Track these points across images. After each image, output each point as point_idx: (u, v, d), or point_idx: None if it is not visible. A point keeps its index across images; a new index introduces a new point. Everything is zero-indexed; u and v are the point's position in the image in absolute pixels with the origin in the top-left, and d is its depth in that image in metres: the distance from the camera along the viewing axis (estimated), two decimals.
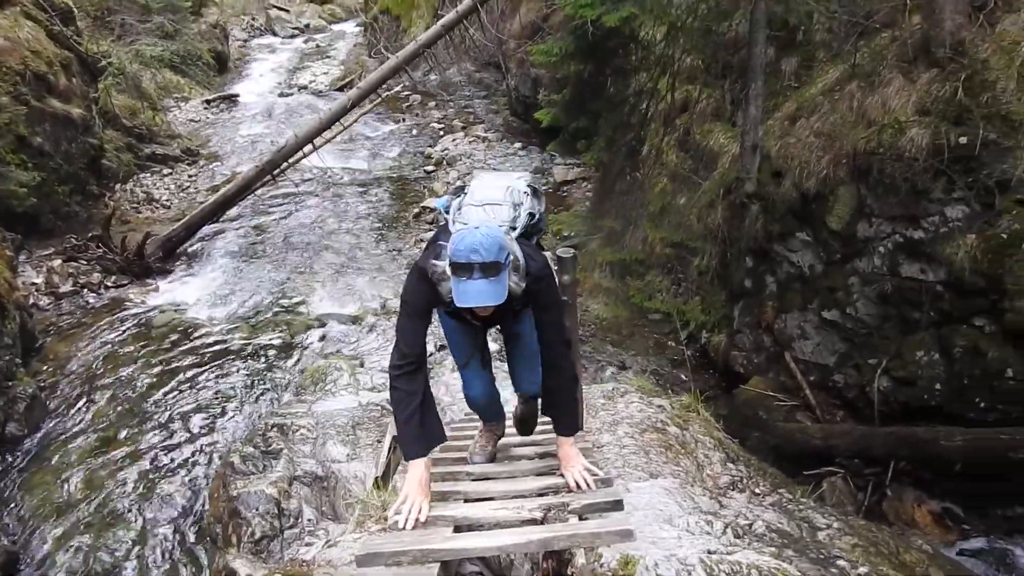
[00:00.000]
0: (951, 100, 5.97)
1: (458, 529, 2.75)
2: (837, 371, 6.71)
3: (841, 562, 2.80)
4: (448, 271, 2.71)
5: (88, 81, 12.68)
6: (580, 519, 2.77)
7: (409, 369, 2.97)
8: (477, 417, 3.90)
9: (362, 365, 8.09)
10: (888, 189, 6.26)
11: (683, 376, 7.61)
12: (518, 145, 13.35)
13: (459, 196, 3.28)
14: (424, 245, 3.20)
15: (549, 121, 8.43)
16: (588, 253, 9.02)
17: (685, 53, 7.75)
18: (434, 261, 2.88)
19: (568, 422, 3.20)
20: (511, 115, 14.22)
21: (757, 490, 4.33)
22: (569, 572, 2.42)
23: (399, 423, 3.01)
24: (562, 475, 3.07)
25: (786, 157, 7.02)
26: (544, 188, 11.76)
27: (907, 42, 6.45)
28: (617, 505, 2.83)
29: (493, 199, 3.17)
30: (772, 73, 7.95)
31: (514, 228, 3.09)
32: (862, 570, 2.72)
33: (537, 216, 3.28)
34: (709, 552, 2.50)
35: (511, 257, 2.77)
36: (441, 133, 15.43)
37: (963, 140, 5.85)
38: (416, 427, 2.96)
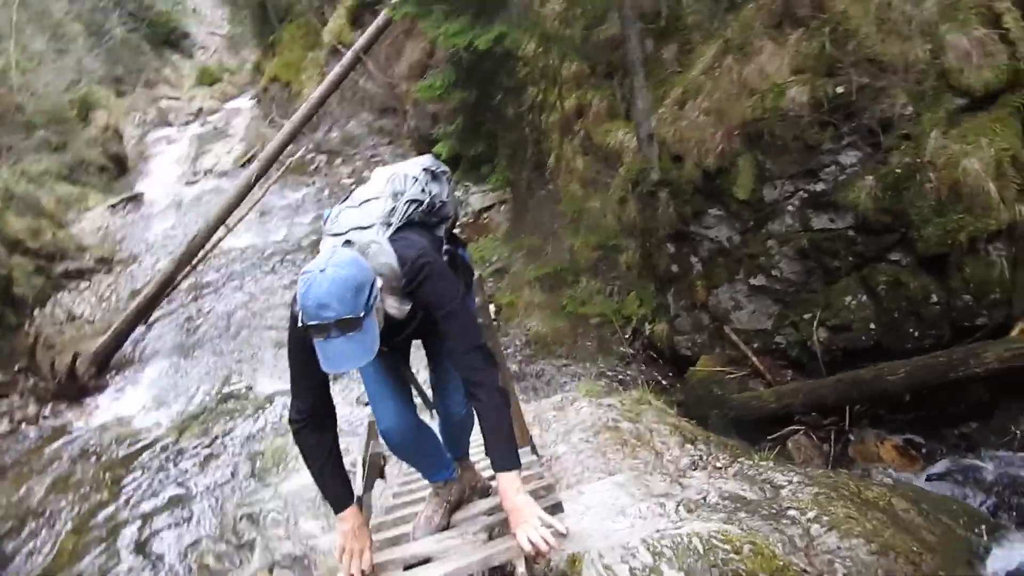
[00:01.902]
0: (821, 55, 6.22)
1: (408, 567, 2.72)
2: (777, 333, 6.84)
3: (792, 512, 2.86)
4: (300, 324, 2.29)
5: None
6: None
7: (308, 424, 2.66)
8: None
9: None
10: (782, 150, 6.46)
11: (633, 371, 7.68)
12: None
13: (345, 200, 2.84)
14: None
15: (447, 153, 8.49)
16: (515, 273, 9.08)
17: (566, 61, 7.90)
18: (295, 305, 2.40)
19: (505, 453, 2.60)
20: (418, 155, 14.24)
21: (718, 464, 4.39)
22: None
23: (314, 478, 2.73)
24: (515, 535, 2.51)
25: (682, 140, 7.19)
26: (465, 218, 11.85)
27: (771, 8, 6.70)
28: (556, 508, 2.83)
29: (371, 193, 2.73)
30: (655, 63, 8.15)
31: (388, 224, 2.59)
32: (810, 514, 2.78)
33: (437, 201, 2.80)
34: (657, 531, 2.53)
35: (375, 296, 2.30)
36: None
37: (840, 90, 6.10)
38: (331, 479, 2.70)
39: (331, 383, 2.73)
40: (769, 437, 6.09)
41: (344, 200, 2.85)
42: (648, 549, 2.39)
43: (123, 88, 23.63)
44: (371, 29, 11.89)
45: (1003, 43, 5.88)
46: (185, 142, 20.70)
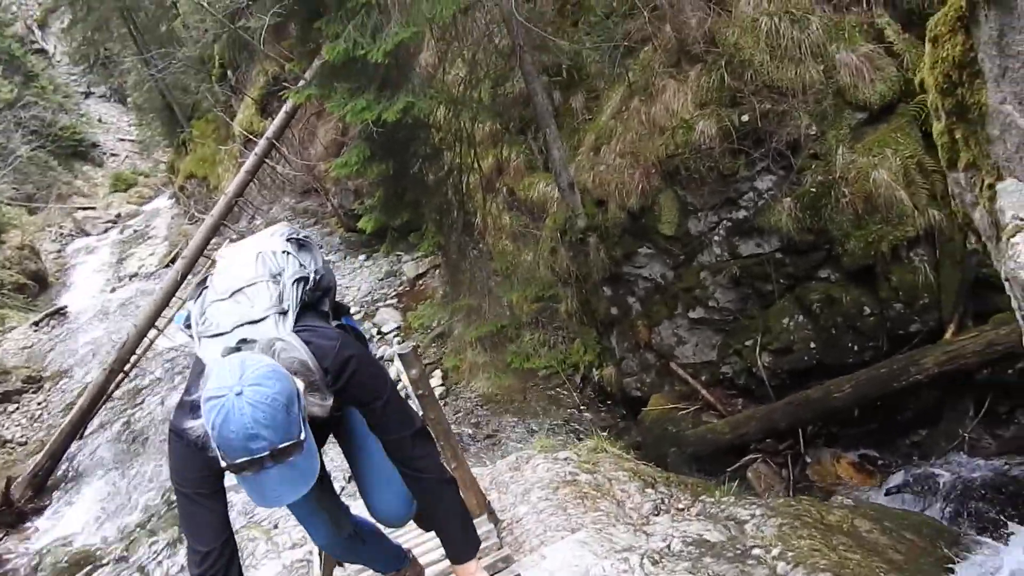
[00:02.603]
0: (721, 87, 6.38)
1: None
2: (722, 363, 6.87)
3: (756, 551, 2.79)
4: (223, 462, 1.85)
5: None
6: None
7: (215, 573, 2.13)
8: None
9: (276, 527, 7.72)
10: (700, 183, 6.57)
11: (586, 420, 7.61)
12: (362, 257, 13.31)
13: (201, 295, 2.36)
14: None
15: (373, 226, 8.45)
16: (456, 336, 9.00)
17: (477, 122, 7.98)
18: (189, 423, 1.96)
19: (462, 544, 2.43)
20: (345, 232, 14.22)
21: (680, 505, 4.30)
22: None
23: None
24: None
25: (602, 185, 7.26)
26: (401, 287, 11.77)
27: (666, 48, 6.88)
28: None
29: (244, 280, 2.29)
30: (565, 113, 8.28)
31: (284, 312, 2.21)
32: (775, 551, 2.71)
33: (315, 274, 2.41)
34: None
35: (302, 402, 1.93)
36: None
37: (745, 118, 6.26)
38: None
39: None
40: (728, 469, 6.06)
41: (198, 295, 2.38)
42: None
43: (36, 205, 23.28)
44: (280, 116, 11.87)
45: (889, 56, 6.13)
46: (106, 250, 20.37)
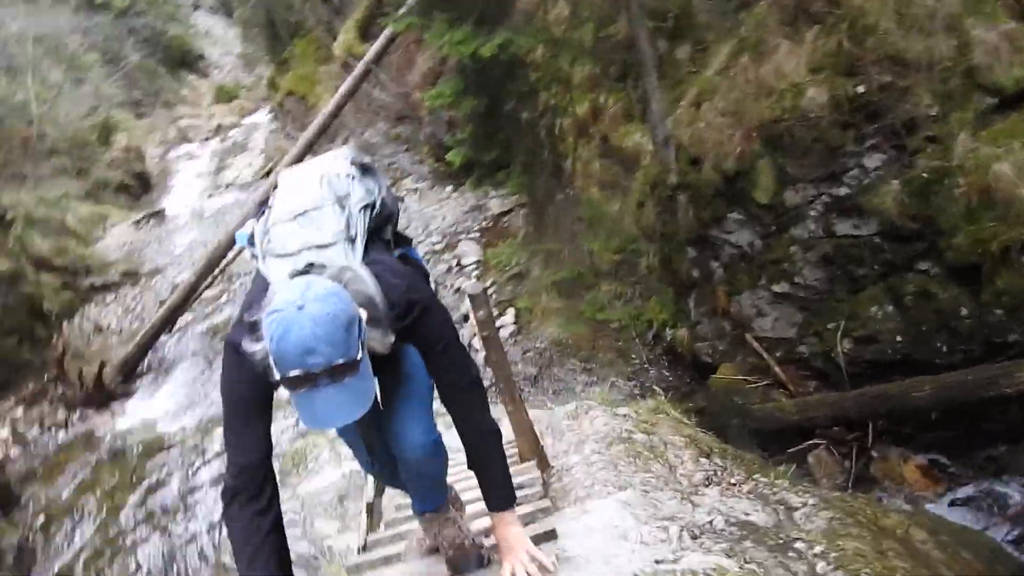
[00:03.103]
0: (839, 53, 6.01)
1: None
2: (800, 342, 6.61)
3: (799, 544, 2.69)
4: (275, 375, 1.84)
5: (7, 233, 12.84)
6: None
7: (249, 487, 2.08)
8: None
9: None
10: (803, 153, 6.25)
11: (651, 378, 7.54)
12: (450, 188, 13.31)
13: (264, 215, 2.34)
14: None
15: (461, 160, 8.41)
16: (533, 279, 8.97)
17: (577, 64, 7.77)
18: (248, 344, 1.93)
19: (500, 491, 2.41)
20: (435, 161, 14.23)
21: (732, 480, 4.21)
22: None
23: (241, 570, 2.08)
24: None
25: (700, 142, 7.01)
26: (485, 222, 11.78)
27: (784, 5, 6.51)
28: (550, 536, 2.74)
29: (308, 202, 2.24)
30: (668, 63, 7.98)
31: (352, 240, 2.17)
32: (818, 548, 2.61)
33: (378, 201, 2.34)
34: (657, 562, 2.39)
35: (364, 328, 1.91)
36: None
37: (860, 89, 5.88)
38: (264, 572, 2.06)
39: None
40: (789, 450, 5.89)
41: (263, 213, 2.34)
42: None
43: (143, 111, 24.18)
44: (380, 41, 11.89)
45: None
46: (206, 158, 21.07)
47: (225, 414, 2.15)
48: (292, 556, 5.12)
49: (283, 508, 2.20)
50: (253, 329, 1.91)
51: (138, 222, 17.04)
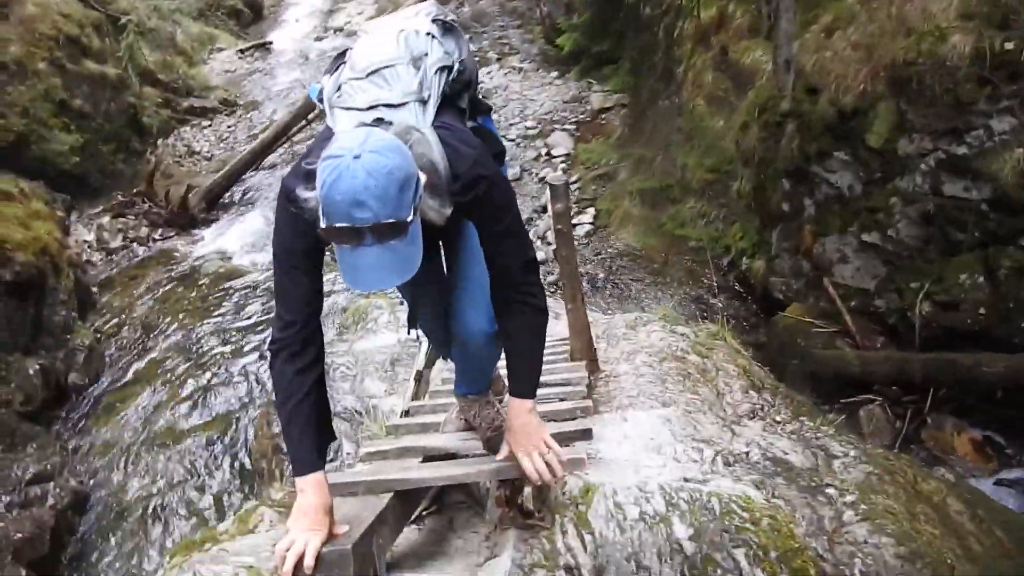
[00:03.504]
0: (996, 2, 5.56)
1: (427, 459, 2.72)
2: (878, 296, 6.45)
3: (831, 490, 2.70)
4: (322, 224, 1.75)
5: (118, 41, 12.99)
6: None
7: (293, 344, 2.07)
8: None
9: (402, 303, 8.15)
10: (929, 102, 5.89)
11: (719, 304, 7.46)
12: (554, 74, 13.00)
13: (337, 70, 2.22)
14: None
15: (571, 46, 8.14)
16: (619, 182, 8.82)
17: None
18: (302, 191, 1.85)
19: (529, 380, 2.30)
20: (546, 43, 13.82)
21: (778, 418, 4.20)
22: (520, 501, 2.36)
23: (282, 421, 2.13)
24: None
25: (822, 72, 6.67)
26: (583, 115, 11.53)
27: None
28: (586, 435, 2.77)
29: (383, 59, 2.11)
30: None
31: (424, 101, 2.05)
32: (849, 498, 2.61)
33: (457, 63, 2.20)
34: (685, 480, 2.43)
35: (420, 191, 1.80)
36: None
37: (1009, 46, 5.46)
38: (302, 430, 2.07)
39: None
40: (842, 400, 5.83)
41: (337, 68, 2.23)
42: (664, 497, 2.30)
43: None
44: None
45: None
46: None
47: (274, 265, 2.11)
48: (339, 408, 5.30)
49: (337, 362, 2.25)
50: (309, 177, 1.82)
51: (244, 51, 17.13)
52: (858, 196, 6.56)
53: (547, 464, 2.17)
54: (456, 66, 2.18)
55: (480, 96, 2.50)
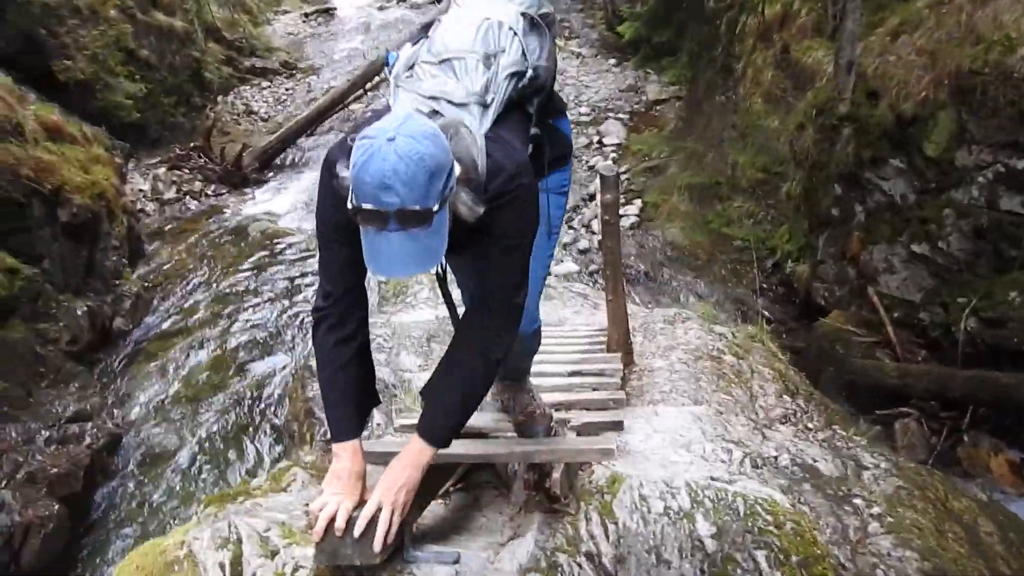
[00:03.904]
0: None
1: (461, 436, 2.76)
2: (923, 308, 6.35)
3: (858, 500, 2.70)
4: (351, 203, 1.70)
5: None
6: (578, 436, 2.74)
7: (332, 315, 2.08)
8: None
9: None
10: (992, 113, 5.76)
11: (759, 306, 7.40)
12: (612, 61, 12.90)
13: (418, 43, 2.16)
14: None
15: (631, 35, 8.08)
16: (668, 176, 8.76)
17: None
18: (341, 166, 1.79)
19: (440, 423, 2.13)
20: (607, 29, 13.71)
21: (810, 425, 4.19)
22: (547, 485, 2.40)
23: (321, 389, 2.16)
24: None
25: (884, 76, 6.55)
26: (638, 105, 11.44)
27: None
28: (616, 426, 2.80)
29: (458, 49, 2.05)
30: None
31: (486, 105, 1.99)
32: (876, 509, 2.61)
33: (531, 71, 2.11)
34: (712, 479, 2.45)
35: (451, 187, 1.74)
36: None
37: None
38: (342, 397, 2.10)
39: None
40: (878, 412, 5.77)
41: (417, 41, 2.17)
42: (690, 494, 2.33)
43: None
44: None
45: None
46: None
47: (318, 240, 2.10)
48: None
49: (375, 333, 2.25)
50: (349, 151, 1.75)
51: (308, 15, 17.27)
52: (911, 205, 6.46)
53: (367, 522, 1.97)
54: (528, 72, 2.11)
55: (558, 92, 2.42)
